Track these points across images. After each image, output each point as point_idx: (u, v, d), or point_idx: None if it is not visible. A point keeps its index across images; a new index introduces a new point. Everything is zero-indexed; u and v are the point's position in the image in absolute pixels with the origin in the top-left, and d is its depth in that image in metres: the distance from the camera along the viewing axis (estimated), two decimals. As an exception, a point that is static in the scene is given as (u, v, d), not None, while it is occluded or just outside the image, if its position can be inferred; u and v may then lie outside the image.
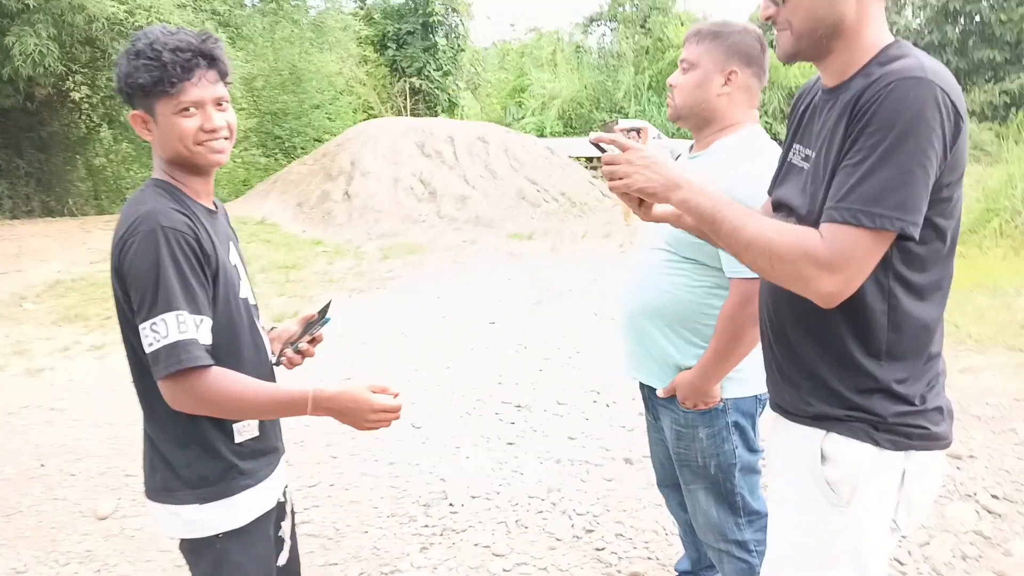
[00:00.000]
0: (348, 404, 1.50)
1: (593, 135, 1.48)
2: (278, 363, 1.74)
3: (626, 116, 22.01)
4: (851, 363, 1.36)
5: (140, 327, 1.43)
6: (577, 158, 16.82)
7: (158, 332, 1.41)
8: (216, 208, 1.65)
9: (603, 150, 1.45)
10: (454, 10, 26.37)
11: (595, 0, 28.24)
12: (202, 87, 1.49)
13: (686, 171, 1.41)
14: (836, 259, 1.23)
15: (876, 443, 1.36)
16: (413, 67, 24.86)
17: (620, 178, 1.41)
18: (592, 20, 28.06)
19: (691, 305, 2.03)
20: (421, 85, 24.84)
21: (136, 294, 1.43)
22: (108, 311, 7.53)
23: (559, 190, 14.66)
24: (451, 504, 3.43)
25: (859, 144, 1.24)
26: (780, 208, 1.48)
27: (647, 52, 24.48)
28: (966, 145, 1.28)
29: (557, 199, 14.41)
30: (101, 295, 7.75)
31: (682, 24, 24.76)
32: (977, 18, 23.37)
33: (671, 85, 2.11)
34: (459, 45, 26.71)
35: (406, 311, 7.32)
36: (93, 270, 8.88)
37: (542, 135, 22.40)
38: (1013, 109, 22.15)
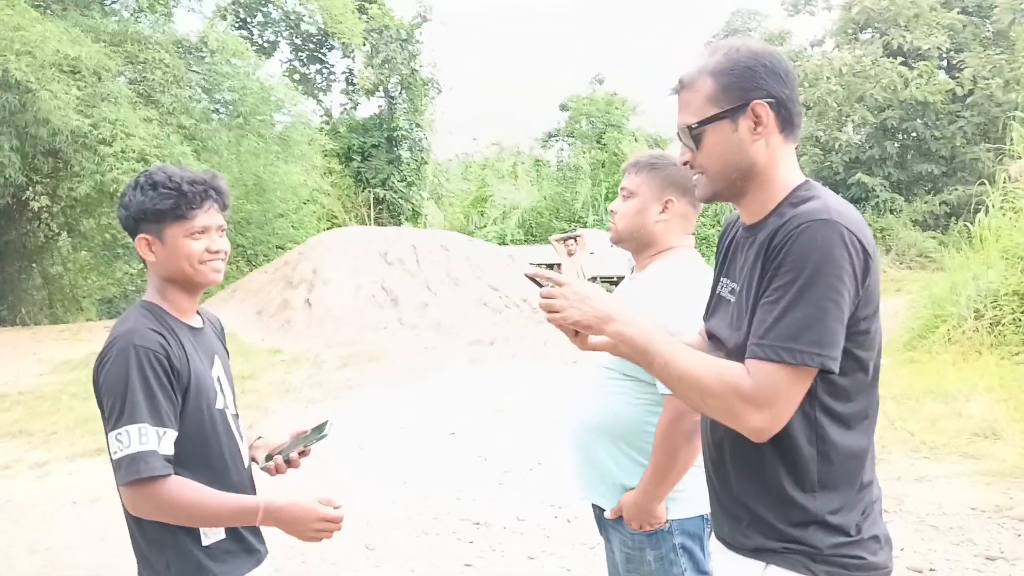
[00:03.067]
0: (296, 514, 1.64)
1: (529, 270, 1.54)
2: (264, 468, 1.84)
3: (584, 226, 22.60)
4: (784, 496, 1.38)
5: (108, 436, 1.58)
6: (539, 265, 17.11)
7: (121, 442, 1.55)
8: (203, 324, 1.83)
9: (540, 284, 1.50)
10: (418, 125, 27.27)
11: (553, 117, 29.45)
12: (210, 215, 1.72)
13: (618, 303, 1.45)
14: (762, 395, 1.28)
15: (814, 575, 1.35)
16: (377, 178, 25.43)
17: (556, 311, 1.45)
18: (550, 136, 29.18)
19: (632, 423, 2.05)
20: (385, 195, 25.34)
21: (107, 405, 1.59)
22: (54, 426, 7.26)
23: (520, 296, 14.80)
24: (404, 631, 3.27)
25: (775, 283, 1.31)
26: (712, 339, 1.54)
27: (603, 166, 25.42)
28: (878, 280, 1.35)
29: (519, 305, 14.54)
30: (47, 409, 7.51)
31: (635, 140, 25.87)
32: (914, 134, 24.75)
33: (612, 211, 2.24)
34: (423, 158, 27.48)
35: (363, 422, 7.19)
36: (40, 383, 8.63)
37: (503, 243, 22.83)
38: (953, 219, 23.23)
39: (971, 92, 23.21)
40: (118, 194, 1.83)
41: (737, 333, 1.41)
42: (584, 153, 25.51)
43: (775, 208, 1.43)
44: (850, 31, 26.47)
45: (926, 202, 24.02)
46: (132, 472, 1.54)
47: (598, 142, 25.65)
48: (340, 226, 21.14)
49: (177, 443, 1.60)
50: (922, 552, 3.82)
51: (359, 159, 25.66)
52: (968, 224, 11.21)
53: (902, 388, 7.25)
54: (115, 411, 1.57)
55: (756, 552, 1.41)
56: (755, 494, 1.41)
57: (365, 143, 25.84)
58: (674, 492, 2.01)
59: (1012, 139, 13.24)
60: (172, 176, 1.69)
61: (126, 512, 1.66)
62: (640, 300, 2.03)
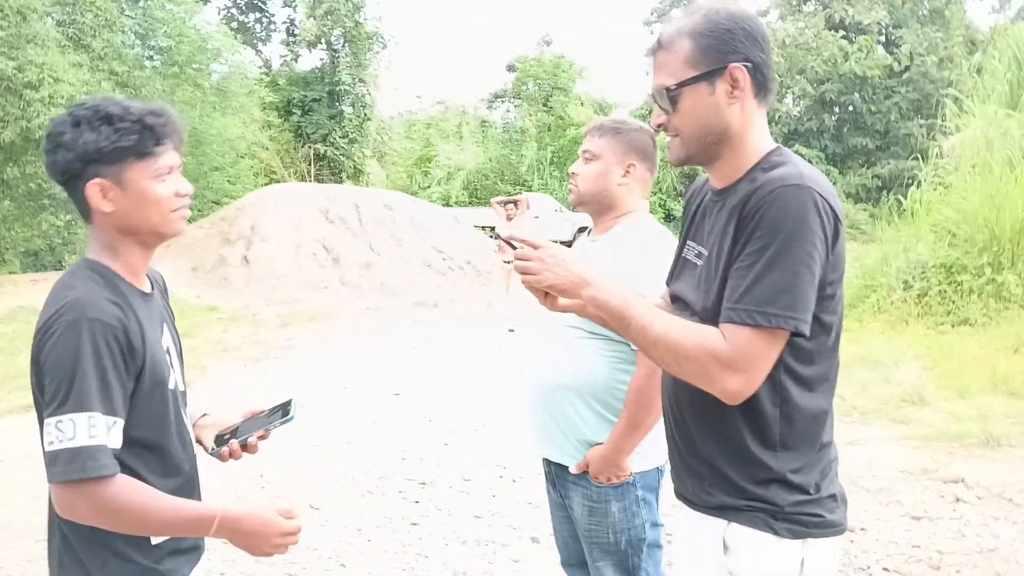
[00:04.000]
0: (255, 527, 1.42)
1: (505, 233, 1.54)
2: (215, 453, 1.61)
3: (529, 189, 22.58)
4: (748, 454, 1.41)
5: (45, 421, 1.34)
6: (483, 227, 17.04)
7: (63, 431, 1.31)
8: (152, 288, 1.58)
9: (514, 247, 1.50)
10: (361, 80, 26.63)
11: (499, 77, 29.14)
12: (171, 153, 1.47)
13: (591, 268, 1.46)
14: (738, 358, 1.30)
15: (775, 532, 1.39)
16: (318, 133, 24.83)
17: (532, 274, 1.45)
18: (497, 96, 28.90)
19: (602, 380, 2.10)
20: (326, 152, 24.79)
21: (50, 386, 1.35)
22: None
23: (465, 258, 14.76)
24: (352, 591, 3.27)
25: (748, 248, 1.33)
26: (676, 301, 1.56)
27: (549, 129, 25.34)
28: (844, 246, 1.38)
29: (463, 267, 14.50)
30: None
31: (582, 104, 25.84)
32: (851, 108, 25.38)
33: (573, 173, 2.27)
34: (366, 114, 26.89)
35: (306, 382, 7.10)
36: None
37: (448, 204, 22.63)
38: (885, 192, 23.99)
39: (907, 68, 23.86)
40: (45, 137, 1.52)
41: (705, 296, 1.42)
42: (530, 115, 25.38)
43: (746, 173, 1.44)
44: (794, 3, 26.81)
45: (860, 175, 24.73)
46: (75, 470, 1.30)
47: (544, 104, 25.54)
48: (278, 182, 20.62)
49: (124, 430, 1.39)
50: (854, 513, 3.99)
51: (299, 113, 24.99)
52: (900, 198, 11.55)
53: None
54: (59, 395, 1.33)
55: (718, 509, 1.44)
56: (718, 453, 1.44)
57: (306, 97, 25.16)
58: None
59: (945, 115, 13.68)
60: (129, 108, 1.43)
61: (51, 511, 1.42)
62: (604, 261, 2.05)
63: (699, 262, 1.50)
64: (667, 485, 2.10)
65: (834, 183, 22.31)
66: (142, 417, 1.43)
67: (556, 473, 2.25)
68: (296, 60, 27.58)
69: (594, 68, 29.13)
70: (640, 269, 1.98)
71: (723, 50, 1.40)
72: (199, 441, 1.66)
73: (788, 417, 1.39)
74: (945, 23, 23.48)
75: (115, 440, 1.35)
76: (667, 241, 2.15)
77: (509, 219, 9.11)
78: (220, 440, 1.62)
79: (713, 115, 1.42)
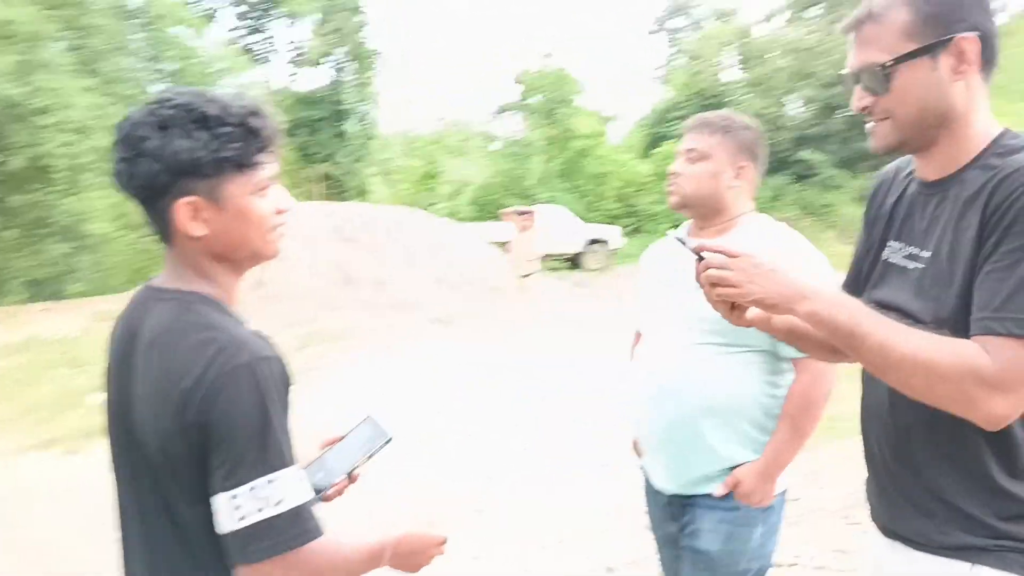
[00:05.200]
0: (413, 546, 1.32)
1: (694, 243, 1.35)
2: (320, 493, 1.41)
3: (537, 202, 22.43)
4: (994, 487, 1.24)
5: (227, 494, 1.10)
6: (493, 243, 16.89)
7: (268, 497, 1.09)
8: None
9: (701, 257, 1.34)
10: (364, 99, 26.62)
11: (498, 92, 29.15)
12: (272, 162, 1.26)
13: (804, 278, 1.29)
14: (1006, 377, 1.12)
15: None
16: (323, 153, 24.77)
17: (734, 286, 1.28)
18: (503, 109, 28.84)
19: (752, 398, 1.94)
20: (331, 171, 24.71)
21: (234, 448, 1.10)
22: (-2, 414, 6.81)
23: (478, 274, 14.60)
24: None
25: (1006, 246, 1.15)
26: (887, 312, 1.35)
27: (554, 142, 25.23)
28: None
29: (476, 282, 14.33)
30: (-10, 397, 7.03)
31: (588, 116, 25.75)
32: (851, 112, 25.28)
33: (676, 173, 2.09)
34: (369, 132, 26.86)
35: (340, 403, 6.92)
36: (-21, 368, 8.10)
37: (456, 220, 22.51)
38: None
39: (912, 71, 23.81)
40: (53, 167, 1.18)
41: (937, 304, 1.24)
42: (536, 128, 25.28)
43: (975, 159, 1.26)
44: (799, 7, 26.80)
45: (867, 177, 24.58)
46: (296, 536, 1.10)
47: (548, 117, 25.44)
48: (287, 203, 20.51)
49: None
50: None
51: (305, 133, 24.93)
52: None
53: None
54: (249, 455, 1.10)
55: (958, 551, 1.26)
56: (957, 486, 1.26)
57: (311, 116, 25.12)
58: None
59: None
60: (229, 108, 1.19)
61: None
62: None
63: (912, 264, 1.32)
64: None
65: (841, 187, 22.17)
66: None
67: (681, 505, 2.05)
68: (297, 79, 27.62)
69: (592, 81, 29.12)
70: (810, 271, 1.83)
71: (949, 19, 1.22)
72: None
73: None
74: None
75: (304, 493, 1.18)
76: (805, 240, 2.00)
77: (523, 230, 9.15)
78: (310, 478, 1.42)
79: (935, 94, 1.24)
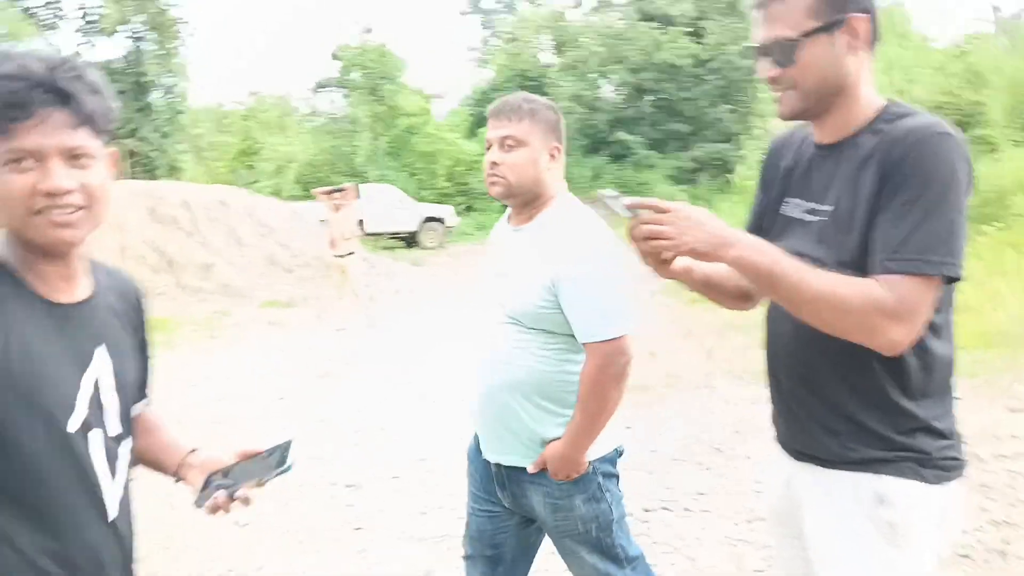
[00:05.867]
0: None
1: (628, 200, 1.41)
2: (199, 503, 1.32)
3: (366, 180, 22.03)
4: (891, 406, 1.41)
5: None
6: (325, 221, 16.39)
7: None
8: (91, 296, 1.24)
9: (634, 214, 1.41)
10: (169, 70, 24.78)
11: (320, 66, 28.14)
12: (44, 131, 1.09)
13: (730, 227, 1.39)
14: (902, 308, 1.29)
15: (924, 479, 1.41)
16: (126, 128, 22.79)
17: (668, 238, 1.36)
18: (321, 85, 27.91)
19: (548, 375, 2.02)
20: (137, 147, 22.84)
21: None
22: None
23: (312, 254, 14.13)
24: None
25: (900, 197, 1.32)
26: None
27: (381, 119, 24.83)
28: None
29: (311, 264, 13.88)
30: None
31: (412, 93, 25.54)
32: (664, 96, 26.92)
33: (496, 163, 2.05)
34: (177, 106, 25.08)
35: (175, 393, 6.48)
36: None
37: (280, 199, 21.59)
38: (699, 173, 25.72)
39: (713, 57, 25.64)
40: None
41: (839, 250, 1.40)
42: (360, 105, 24.71)
43: (866, 124, 1.43)
44: (606, -6, 27.98)
45: (677, 158, 26.31)
46: None
47: (372, 93, 24.95)
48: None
49: None
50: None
51: (103, 107, 22.82)
52: (729, 176, 12.39)
53: (699, 324, 7.99)
54: None
55: (863, 464, 1.43)
56: (859, 407, 1.43)
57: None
58: None
59: (758, 99, 14.92)
60: None
61: None
62: (538, 249, 1.99)
63: (812, 218, 1.48)
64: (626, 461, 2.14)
65: (654, 166, 23.52)
66: (8, 465, 1.10)
67: (508, 476, 2.13)
68: (92, 48, 25.16)
69: (415, 58, 28.89)
70: (607, 249, 1.98)
71: (845, 0, 1.39)
72: (185, 481, 1.39)
73: (927, 365, 1.41)
74: (743, 15, 25.44)
75: None
76: (599, 220, 2.08)
77: (337, 209, 9.10)
78: (208, 484, 1.34)
79: (833, 67, 1.41)
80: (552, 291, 1.94)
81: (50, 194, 1.10)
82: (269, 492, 3.80)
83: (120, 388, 1.26)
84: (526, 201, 2.08)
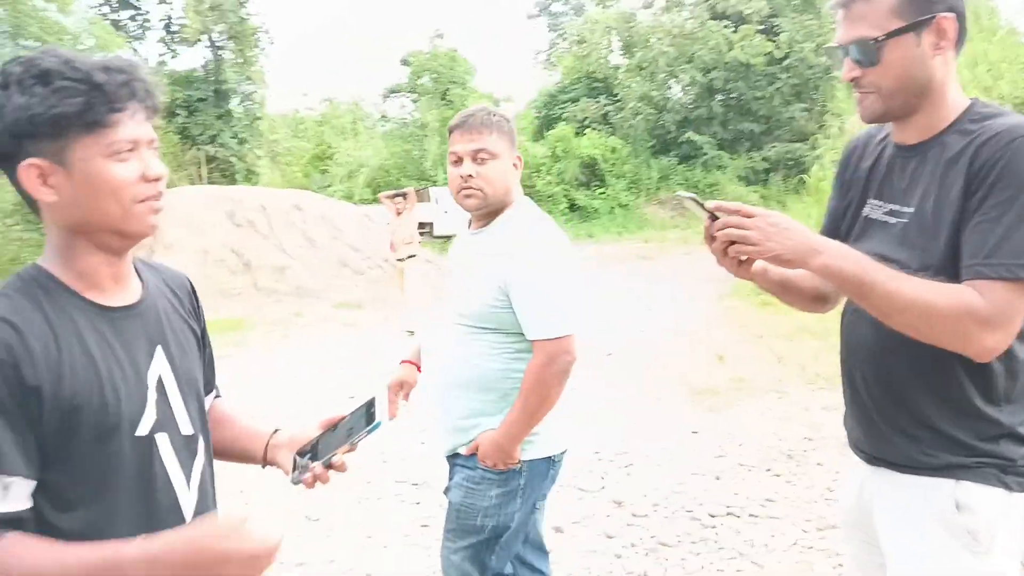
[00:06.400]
0: (192, 557, 1.04)
1: (711, 203, 1.41)
2: (296, 481, 1.32)
3: (434, 184, 22.32)
4: (974, 411, 1.39)
5: None
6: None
7: None
8: (142, 297, 1.24)
9: (716, 216, 1.40)
10: (248, 78, 25.63)
11: (391, 72, 28.62)
12: (138, 122, 1.12)
13: (816, 234, 1.39)
14: (996, 314, 1.27)
15: (1007, 487, 1.38)
16: (206, 134, 23.71)
17: (752, 244, 1.35)
18: (391, 91, 28.41)
19: (495, 372, 2.08)
20: (216, 153, 23.70)
21: None
22: None
23: (382, 257, 14.39)
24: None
25: (992, 200, 1.30)
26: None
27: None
28: None
29: (381, 266, 14.14)
30: None
31: (482, 98, 25.74)
32: (736, 95, 26.45)
33: (470, 176, 2.08)
34: (255, 113, 25.91)
35: (251, 393, 6.71)
36: None
37: (352, 203, 22.08)
38: (771, 173, 25.18)
39: (787, 55, 25.05)
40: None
41: (924, 254, 1.38)
42: (430, 110, 25.06)
43: (951, 125, 1.40)
44: (677, -6, 27.62)
45: (749, 158, 25.81)
46: None
47: (443, 98, 25.27)
48: (170, 187, 19.55)
49: (55, 489, 1.08)
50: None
51: (184, 114, 23.75)
52: (804, 176, 12.09)
53: (769, 327, 7.80)
54: None
55: (943, 470, 1.40)
56: (943, 412, 1.40)
57: (190, 96, 23.95)
58: (530, 435, 2.06)
59: (835, 98, 14.51)
60: (73, 62, 1.09)
61: None
62: (504, 252, 2.05)
63: (894, 220, 1.46)
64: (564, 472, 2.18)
65: (726, 167, 23.16)
66: (76, 473, 1.11)
67: (451, 466, 2.22)
68: (175, 57, 26.26)
69: (482, 62, 29.13)
70: (561, 252, 2.11)
71: (931, 0, 1.36)
72: (272, 463, 1.39)
73: (1012, 371, 1.38)
74: (818, 11, 24.74)
75: (13, 502, 1.05)
76: (556, 229, 2.17)
77: (399, 213, 9.11)
78: (299, 463, 1.33)
79: (918, 68, 1.38)
80: (504, 291, 2.02)
81: (153, 179, 1.15)
82: (339, 489, 3.89)
83: (185, 387, 1.26)
84: (496, 211, 2.15)
